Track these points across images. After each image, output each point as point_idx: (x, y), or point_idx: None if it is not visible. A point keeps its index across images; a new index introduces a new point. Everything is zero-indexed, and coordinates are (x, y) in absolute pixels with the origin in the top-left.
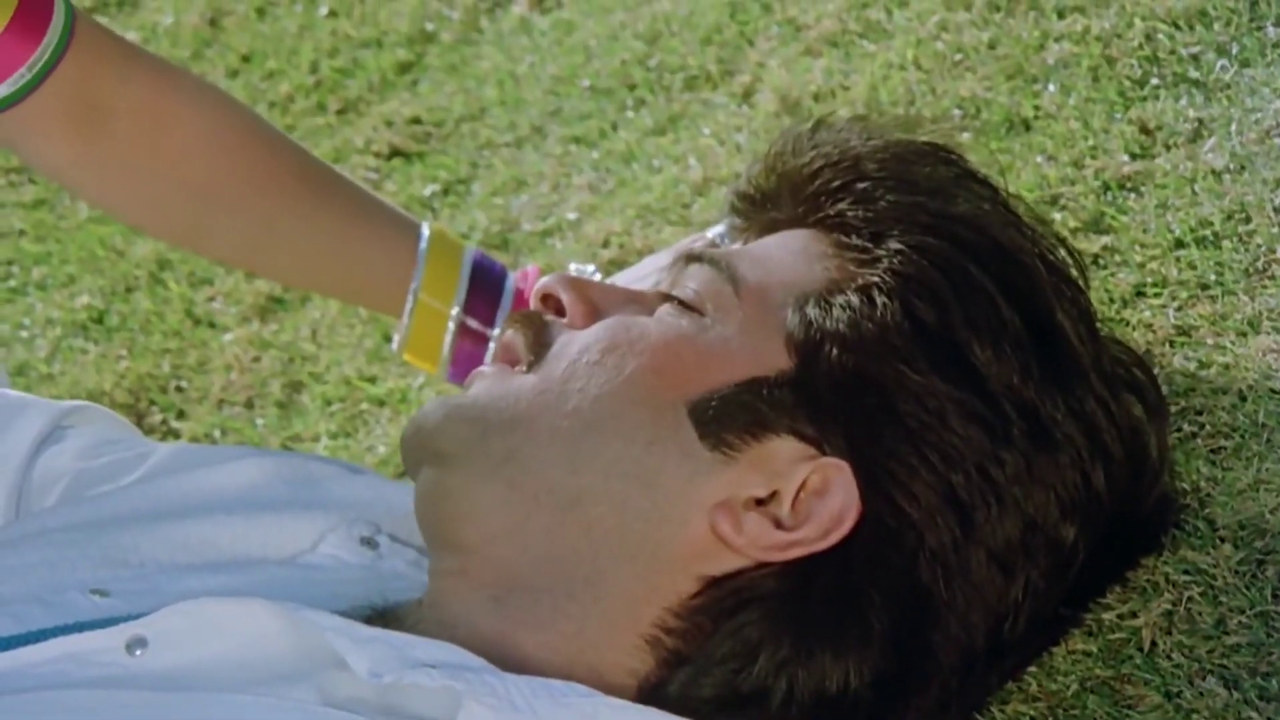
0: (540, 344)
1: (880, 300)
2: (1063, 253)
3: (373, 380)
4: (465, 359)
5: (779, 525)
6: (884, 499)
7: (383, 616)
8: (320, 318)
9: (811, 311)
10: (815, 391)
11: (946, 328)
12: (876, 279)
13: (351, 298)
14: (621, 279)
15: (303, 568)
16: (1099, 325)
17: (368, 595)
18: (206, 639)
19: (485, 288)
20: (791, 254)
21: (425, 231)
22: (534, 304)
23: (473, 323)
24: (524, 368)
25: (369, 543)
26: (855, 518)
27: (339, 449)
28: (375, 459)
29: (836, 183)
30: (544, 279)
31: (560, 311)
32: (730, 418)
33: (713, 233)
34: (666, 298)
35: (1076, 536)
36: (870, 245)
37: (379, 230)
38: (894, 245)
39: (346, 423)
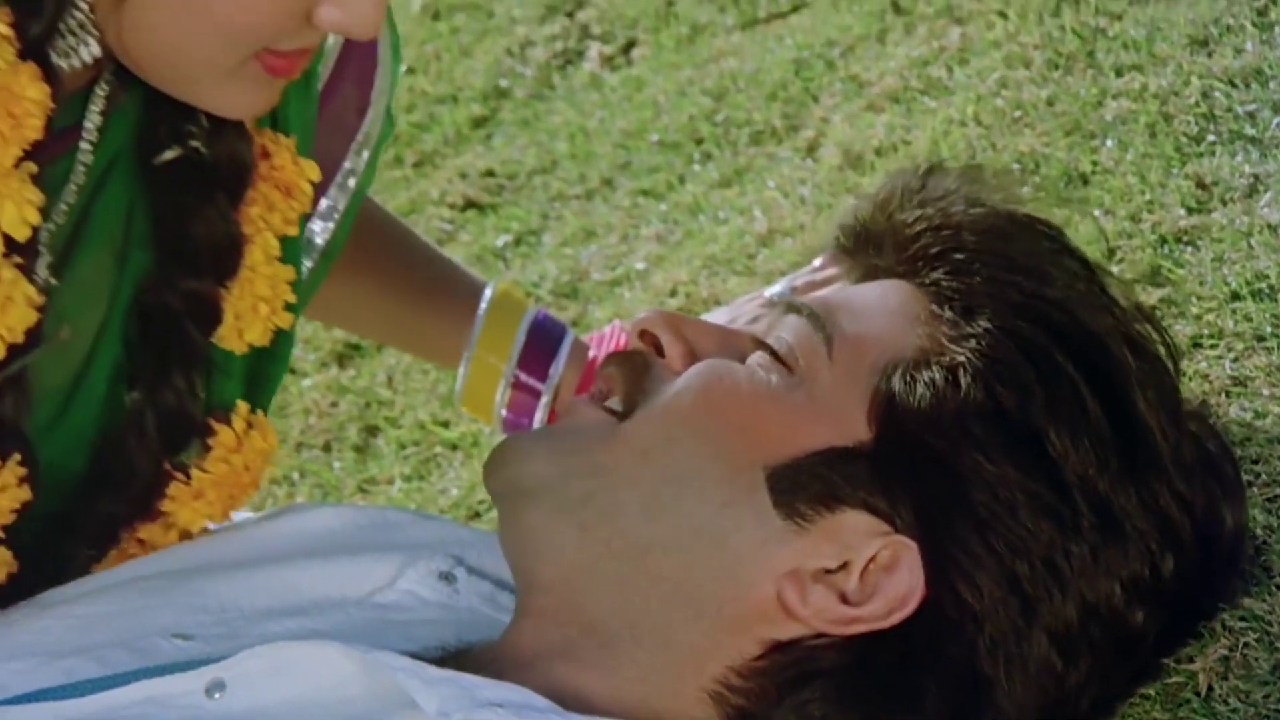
0: (639, 390)
1: (965, 381)
2: (1151, 330)
3: (446, 425)
4: (518, 412)
5: (844, 599)
6: (947, 587)
7: (455, 658)
8: (396, 364)
9: (897, 384)
10: (891, 468)
11: (1026, 415)
12: (963, 358)
13: (421, 354)
14: None
15: (379, 608)
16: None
17: (440, 636)
18: (283, 681)
19: (541, 346)
20: (888, 314)
21: (488, 292)
22: (633, 339)
23: (525, 378)
24: (617, 409)
25: (447, 577)
26: (919, 600)
27: (413, 491)
28: (448, 501)
29: (935, 249)
30: (643, 314)
31: (659, 349)
32: (805, 488)
33: (770, 292)
34: (760, 344)
35: (1144, 621)
36: (961, 320)
37: (448, 290)
38: (984, 324)
39: (420, 466)
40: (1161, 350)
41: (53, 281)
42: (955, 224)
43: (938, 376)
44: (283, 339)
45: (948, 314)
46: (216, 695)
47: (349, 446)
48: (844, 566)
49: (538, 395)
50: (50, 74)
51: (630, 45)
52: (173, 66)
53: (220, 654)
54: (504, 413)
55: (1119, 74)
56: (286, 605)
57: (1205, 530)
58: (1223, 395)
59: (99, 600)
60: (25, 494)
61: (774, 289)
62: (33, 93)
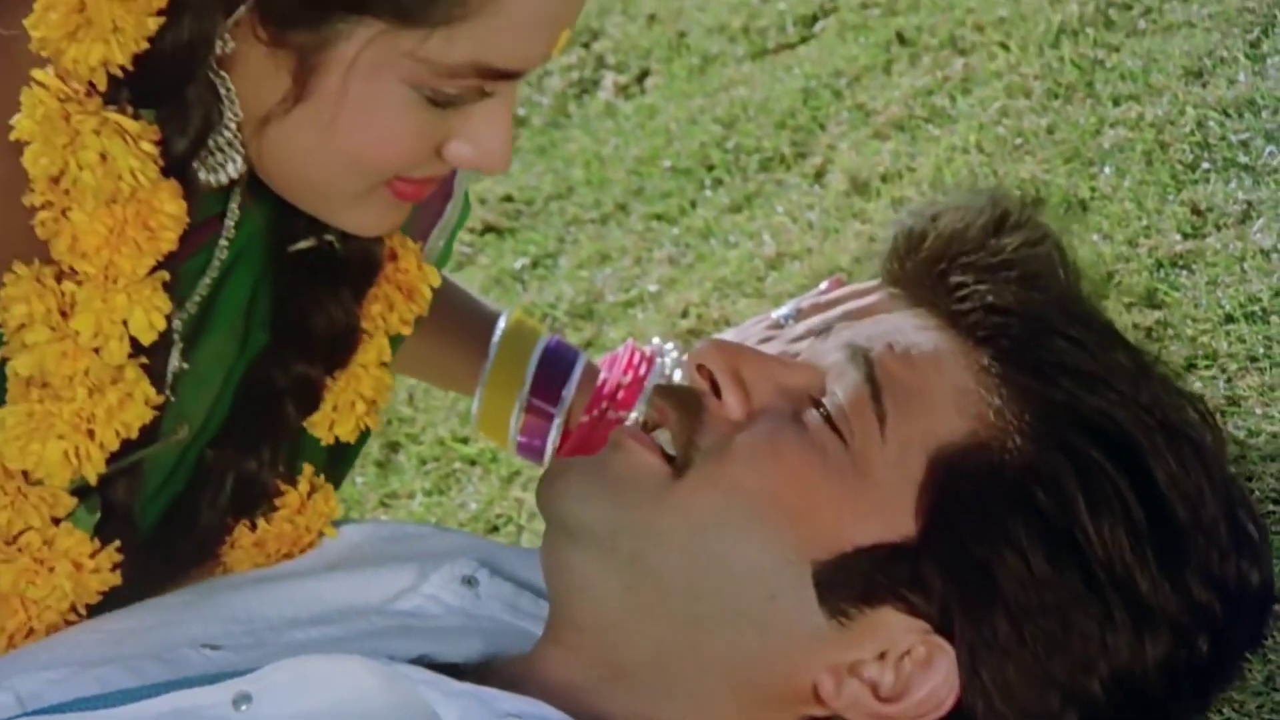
0: (693, 435)
1: (1008, 478)
2: (1193, 415)
3: (465, 441)
4: (531, 434)
5: (877, 693)
6: (980, 690)
7: (476, 671)
8: (416, 383)
9: (943, 479)
10: (932, 569)
11: (1066, 520)
12: (1007, 454)
13: (438, 384)
14: None
15: (402, 615)
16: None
17: (463, 647)
18: (308, 694)
19: (553, 374)
20: (943, 388)
21: (501, 322)
22: (690, 370)
23: (537, 403)
24: (672, 458)
25: (469, 581)
26: (952, 704)
27: (433, 505)
28: (467, 515)
29: (983, 333)
30: (702, 347)
31: (714, 387)
32: (849, 585)
33: (777, 314)
34: (816, 403)
35: (1180, 697)
36: (1006, 410)
37: (464, 323)
38: (1027, 422)
39: (440, 481)
40: (1209, 439)
41: (184, 367)
42: (1005, 308)
43: (983, 473)
44: (364, 435)
45: (995, 400)
46: (243, 707)
47: (371, 462)
48: (879, 657)
49: (551, 418)
50: (190, 189)
51: (644, 75)
52: (307, 188)
53: (248, 663)
54: (519, 438)
55: (1116, 104)
56: (311, 615)
57: (1235, 602)
58: (1217, 415)
59: (130, 615)
60: (115, 579)
61: (781, 311)
62: (170, 208)
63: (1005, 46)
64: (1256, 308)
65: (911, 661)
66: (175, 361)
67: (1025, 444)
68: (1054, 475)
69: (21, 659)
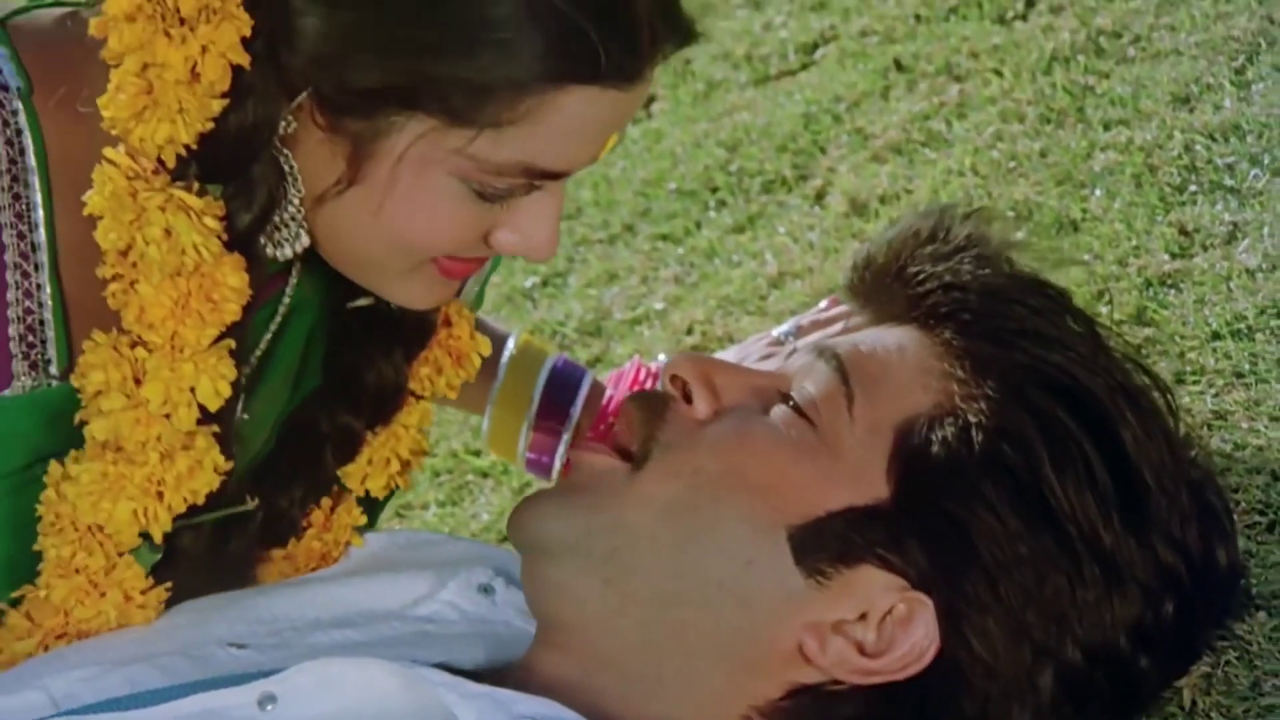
0: (654, 433)
1: (976, 441)
2: (1148, 381)
3: (477, 454)
4: (539, 451)
5: (862, 650)
6: (961, 641)
7: (489, 675)
8: None
9: (914, 444)
10: (907, 527)
11: (1033, 475)
12: (975, 419)
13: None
14: None
15: (420, 620)
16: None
17: (476, 652)
18: (330, 695)
19: (560, 393)
20: (905, 368)
21: (510, 344)
22: (664, 381)
23: (545, 421)
24: (632, 456)
25: (486, 589)
26: (934, 654)
27: (446, 516)
28: (479, 525)
29: (944, 309)
30: (676, 358)
31: (687, 395)
32: (825, 547)
33: (778, 331)
34: (785, 397)
35: (1147, 663)
36: (971, 380)
37: None
38: (992, 385)
39: (453, 492)
40: (1159, 400)
41: (244, 418)
42: (963, 285)
43: (951, 436)
44: (391, 493)
45: (959, 372)
46: (269, 708)
47: None
48: (861, 618)
49: (558, 436)
50: (254, 261)
51: (650, 100)
52: (356, 263)
53: (272, 662)
54: (528, 454)
55: (1107, 128)
56: (334, 617)
57: (1201, 572)
58: (1204, 429)
59: (160, 615)
60: (157, 615)
61: (781, 329)
62: (233, 281)
63: (999, 73)
64: (1242, 325)
65: (893, 620)
66: (237, 414)
67: (990, 406)
68: (1019, 432)
69: (52, 660)
